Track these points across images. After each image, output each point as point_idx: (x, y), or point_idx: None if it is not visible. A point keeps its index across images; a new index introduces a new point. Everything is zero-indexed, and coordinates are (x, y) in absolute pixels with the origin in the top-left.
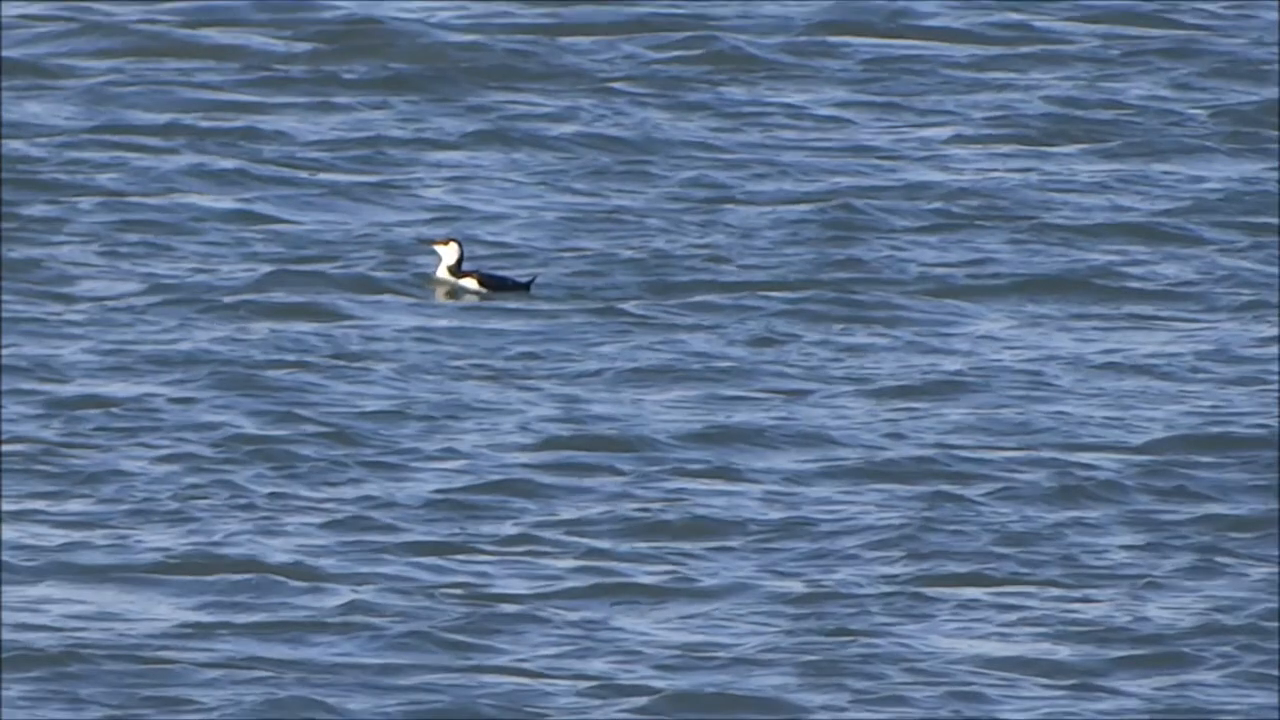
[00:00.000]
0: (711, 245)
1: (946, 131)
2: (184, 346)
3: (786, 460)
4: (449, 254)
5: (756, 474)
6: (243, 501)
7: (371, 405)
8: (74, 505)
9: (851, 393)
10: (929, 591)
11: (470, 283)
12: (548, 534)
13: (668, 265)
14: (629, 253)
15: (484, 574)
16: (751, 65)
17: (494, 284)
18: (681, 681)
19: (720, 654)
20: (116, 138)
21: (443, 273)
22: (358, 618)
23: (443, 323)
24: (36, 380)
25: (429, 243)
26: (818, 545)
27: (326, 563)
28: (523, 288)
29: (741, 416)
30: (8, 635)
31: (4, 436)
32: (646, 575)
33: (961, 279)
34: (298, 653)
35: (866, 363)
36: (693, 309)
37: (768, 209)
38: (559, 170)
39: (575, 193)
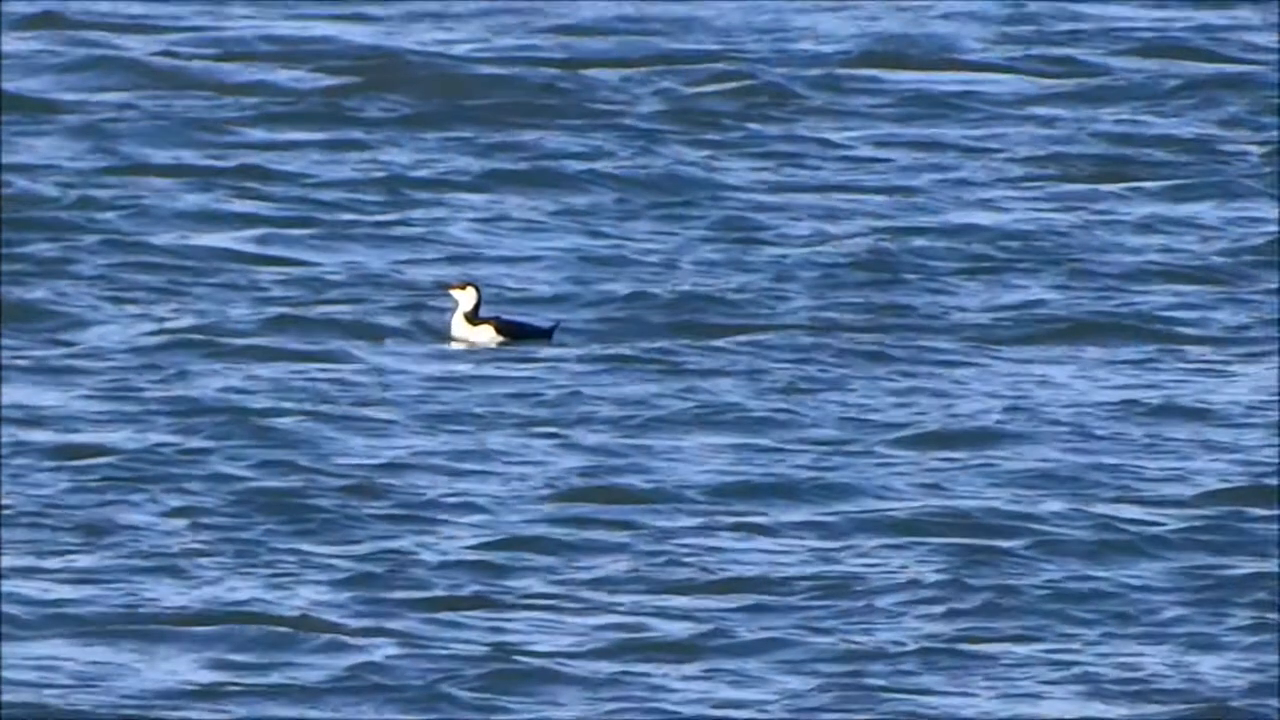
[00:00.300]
0: (745, 288)
1: (989, 170)
2: (193, 393)
3: (822, 512)
4: (466, 299)
5: (791, 527)
6: (254, 556)
7: (388, 455)
8: (80, 559)
9: (890, 442)
10: (971, 649)
11: (487, 331)
12: (573, 589)
13: (698, 308)
14: (658, 296)
15: (507, 631)
16: (787, 100)
17: (513, 331)
18: None
19: (753, 713)
20: (126, 177)
21: (459, 320)
22: (375, 677)
23: (461, 370)
24: (39, 429)
25: (446, 287)
26: (855, 601)
27: (342, 619)
28: (544, 335)
29: (776, 467)
30: (8, 695)
31: (5, 488)
32: (677, 631)
33: (1005, 324)
34: (313, 713)
35: (906, 411)
36: (724, 354)
37: (803, 250)
38: (585, 210)
39: (602, 234)
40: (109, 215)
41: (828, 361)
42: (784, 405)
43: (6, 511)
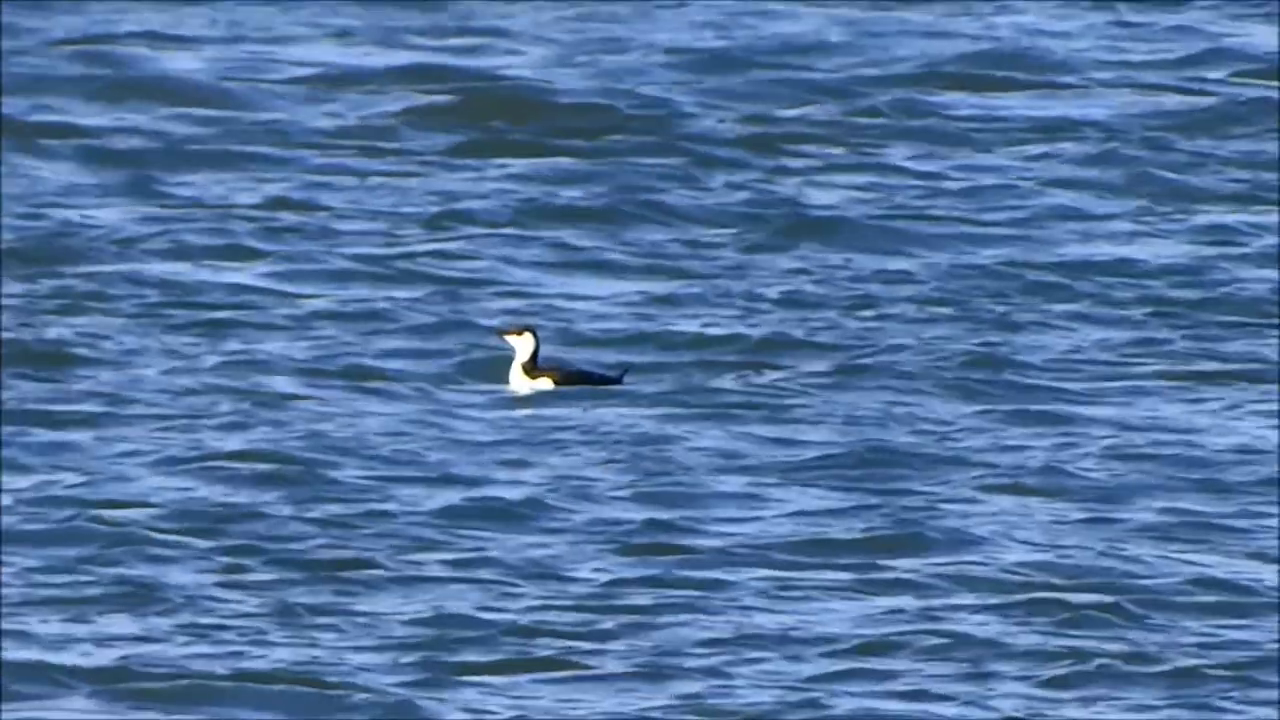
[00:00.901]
0: (841, 325)
1: (1109, 200)
2: (234, 444)
3: (920, 566)
4: (523, 347)
5: (895, 584)
6: (302, 617)
7: (441, 505)
8: (116, 623)
9: (1000, 489)
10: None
11: (545, 383)
12: (648, 653)
13: (782, 347)
14: (745, 335)
15: (574, 699)
16: (885, 126)
17: (577, 379)
18: None
19: None
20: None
21: (516, 370)
22: None
23: (521, 418)
24: (69, 478)
25: (502, 333)
26: (958, 666)
27: (398, 685)
28: (613, 382)
29: (877, 518)
30: None
31: (35, 547)
32: (763, 699)
33: (1121, 363)
34: None
35: (1017, 456)
36: (819, 397)
37: (904, 285)
38: (663, 247)
39: (681, 273)
40: (147, 249)
41: (925, 404)
42: (877, 450)
43: (39, 575)
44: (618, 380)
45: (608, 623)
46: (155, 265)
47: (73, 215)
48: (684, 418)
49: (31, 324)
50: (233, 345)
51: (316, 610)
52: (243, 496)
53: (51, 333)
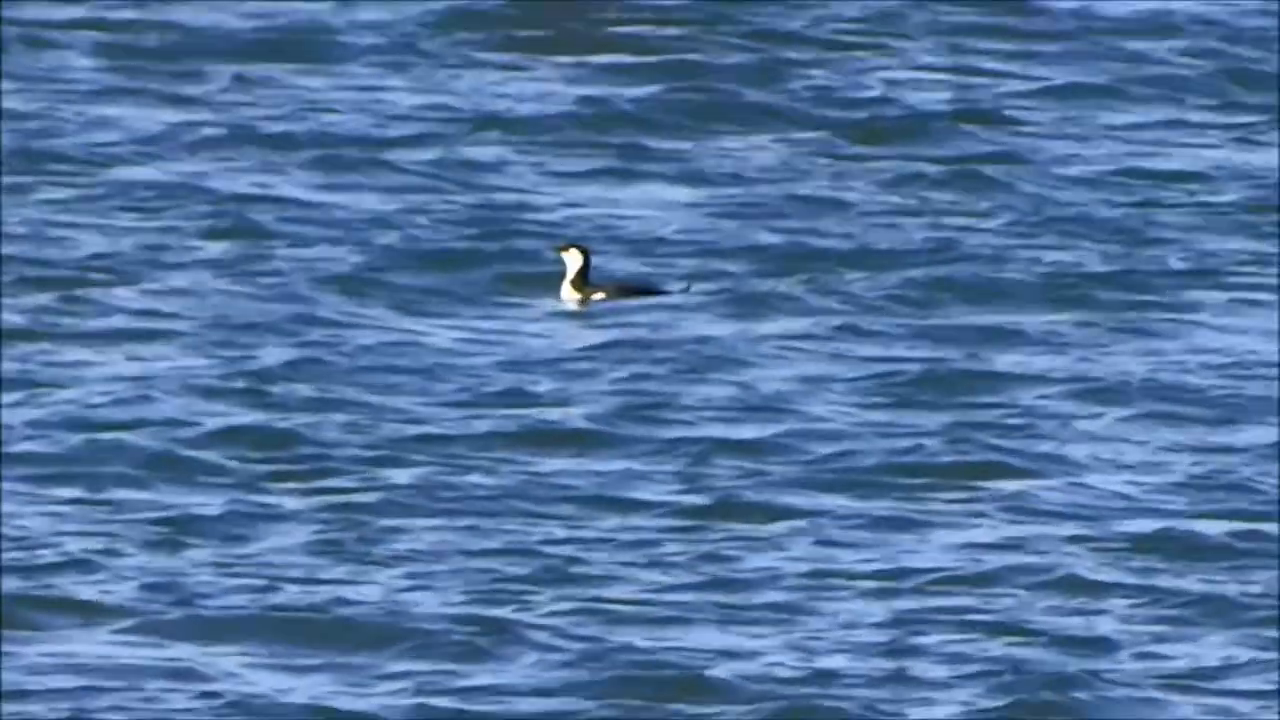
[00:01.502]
0: (926, 234)
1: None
2: (278, 363)
3: (1025, 494)
4: (573, 262)
5: (991, 513)
6: (348, 550)
7: (496, 428)
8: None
9: (1102, 408)
10: None
11: (599, 297)
12: (722, 591)
13: (871, 260)
14: (822, 246)
15: (644, 638)
16: (973, 24)
17: (634, 293)
18: None
19: None
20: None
21: (568, 288)
22: None
23: (574, 334)
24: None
25: (557, 249)
26: (1062, 601)
27: (452, 621)
28: (672, 294)
29: (969, 441)
30: None
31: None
32: (853, 633)
33: (1239, 275)
34: None
35: (1121, 374)
36: (904, 311)
37: (995, 192)
38: (731, 153)
39: (749, 180)
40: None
41: (1019, 318)
42: (966, 369)
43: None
44: (681, 292)
45: (678, 554)
46: (190, 171)
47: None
48: (755, 333)
49: (60, 238)
50: (276, 259)
51: (366, 540)
52: (288, 420)
53: (78, 246)
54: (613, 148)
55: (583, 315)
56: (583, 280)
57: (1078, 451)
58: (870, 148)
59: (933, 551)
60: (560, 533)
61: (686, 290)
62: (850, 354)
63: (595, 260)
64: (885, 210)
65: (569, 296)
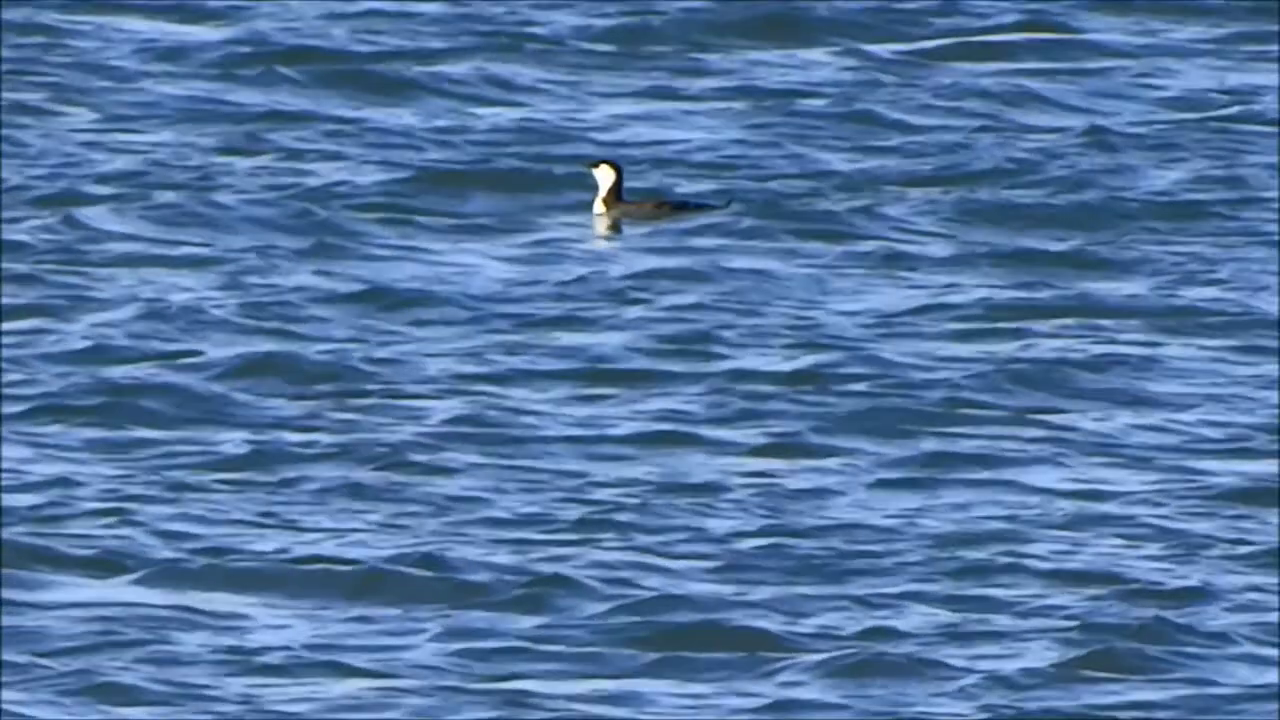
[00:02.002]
0: (974, 154)
1: None
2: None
3: (1094, 432)
4: (604, 178)
5: (1053, 456)
6: (383, 494)
7: (535, 366)
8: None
9: (1182, 336)
10: None
11: (633, 213)
12: (777, 536)
13: (955, 189)
14: (870, 167)
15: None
16: None
17: (669, 211)
18: None
19: None
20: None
21: (599, 206)
22: None
23: (609, 255)
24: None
25: (588, 165)
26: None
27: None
28: (715, 209)
29: (1031, 374)
30: None
31: None
32: (912, 585)
33: None
34: None
35: (1202, 299)
36: (958, 234)
37: (1046, 107)
38: (768, 71)
39: (788, 99)
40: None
41: (1081, 243)
42: (1029, 299)
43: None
44: (721, 207)
45: (735, 498)
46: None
47: None
48: (810, 260)
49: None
50: (308, 178)
51: (401, 484)
52: (320, 348)
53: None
54: (661, 63)
55: (625, 239)
56: (615, 197)
57: (1163, 388)
58: (936, 63)
59: (1006, 495)
60: (609, 474)
61: (727, 206)
62: (912, 283)
63: (639, 181)
64: (951, 129)
65: (600, 214)
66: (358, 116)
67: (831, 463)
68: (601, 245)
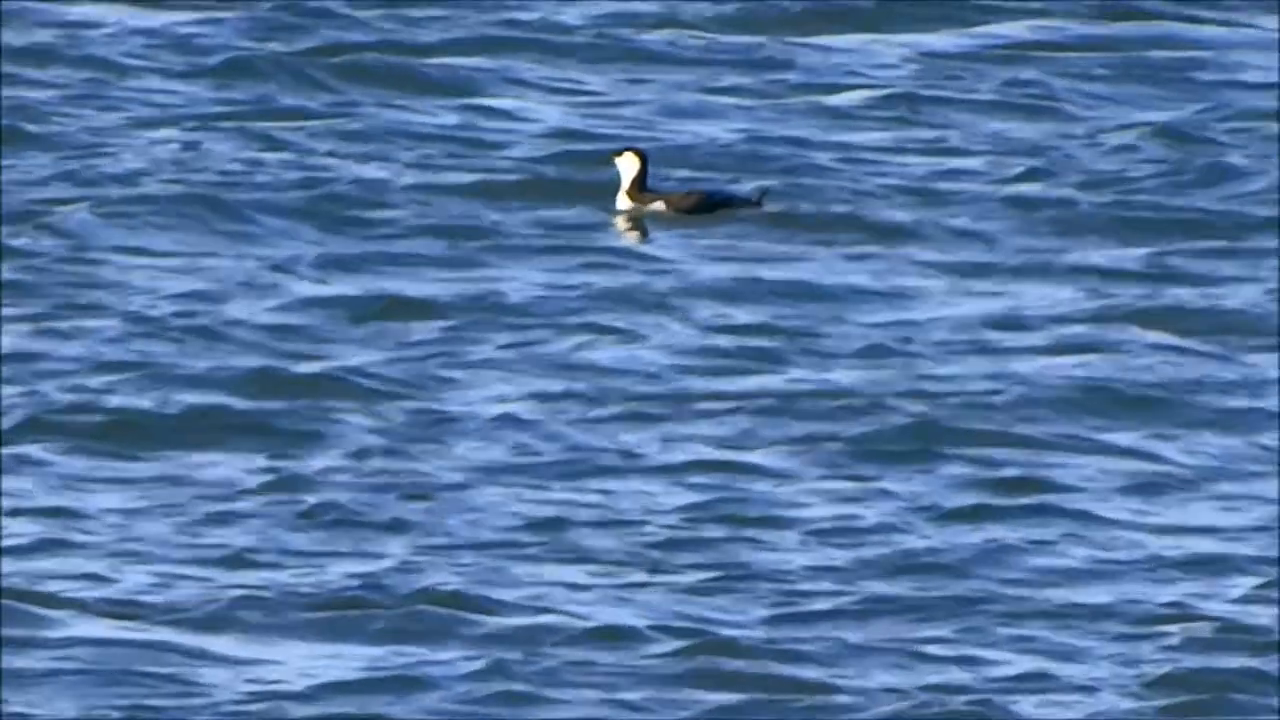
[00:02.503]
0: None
1: None
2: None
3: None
4: (628, 167)
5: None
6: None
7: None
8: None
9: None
10: None
11: (658, 206)
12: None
13: (1037, 189)
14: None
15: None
16: None
17: (698, 204)
18: None
19: None
20: None
21: (623, 198)
22: None
23: (631, 251)
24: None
25: (611, 155)
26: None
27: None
28: (748, 205)
29: (1118, 380)
30: None
31: None
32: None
33: None
34: None
35: None
36: (1003, 214)
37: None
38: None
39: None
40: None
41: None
42: (1103, 310)
43: None
44: (755, 203)
45: (806, 537)
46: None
47: None
48: (845, 254)
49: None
50: (332, 184)
51: (428, 516)
52: (340, 363)
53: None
54: (705, 48)
55: (658, 241)
56: (640, 188)
57: (1258, 404)
58: (1008, 51)
59: (1085, 528)
60: (659, 503)
61: (761, 202)
62: (979, 292)
63: (679, 173)
64: (1021, 127)
65: (624, 206)
66: (388, 114)
67: (898, 489)
68: (630, 241)
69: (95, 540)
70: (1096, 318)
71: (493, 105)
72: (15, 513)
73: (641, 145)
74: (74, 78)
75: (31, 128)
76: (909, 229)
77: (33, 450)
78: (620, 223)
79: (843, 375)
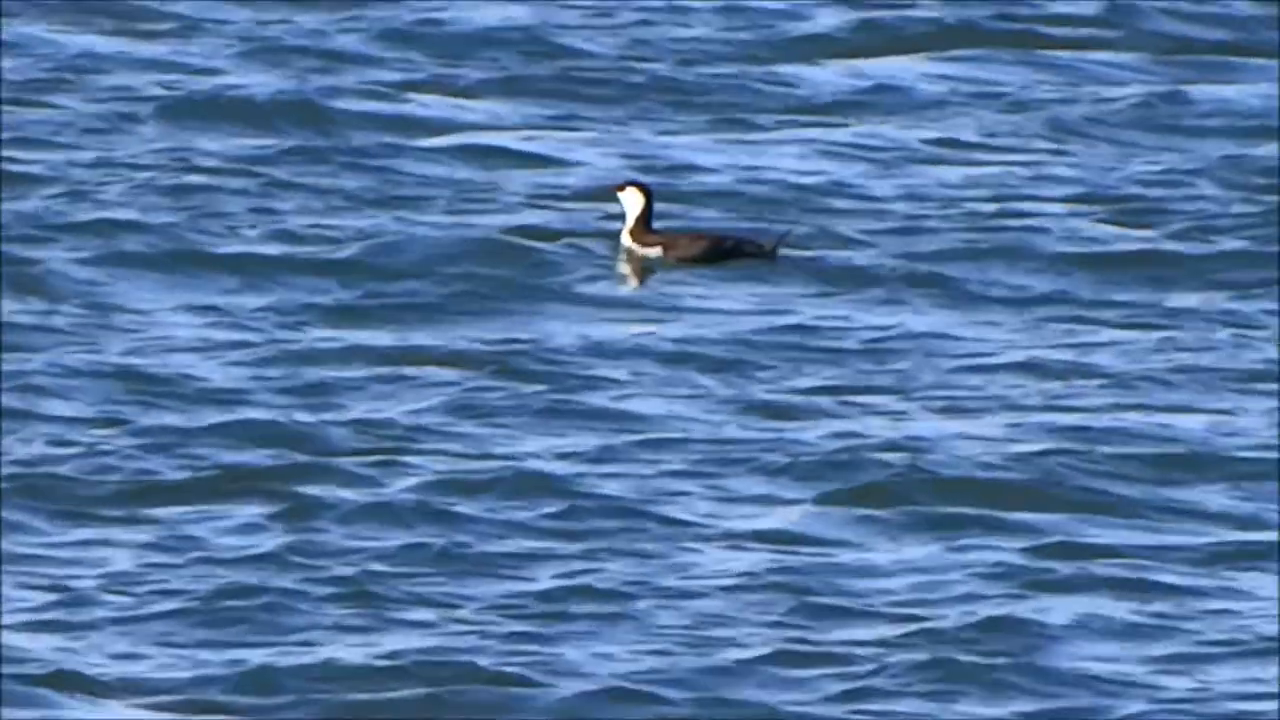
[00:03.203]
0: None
1: None
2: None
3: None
4: (632, 204)
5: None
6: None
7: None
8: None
9: None
10: None
11: (657, 251)
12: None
13: (1095, 227)
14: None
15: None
16: None
17: (709, 250)
18: None
19: None
20: None
21: (626, 238)
22: None
23: (635, 299)
24: None
25: (614, 189)
26: None
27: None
28: (762, 253)
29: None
30: None
31: None
32: None
33: None
34: None
35: None
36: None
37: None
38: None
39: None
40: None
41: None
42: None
43: None
44: (769, 252)
45: (881, 609)
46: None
47: None
48: (873, 304)
49: None
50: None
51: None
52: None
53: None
54: (725, 84)
55: (664, 285)
56: (645, 226)
57: None
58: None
59: (1224, 609)
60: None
61: (776, 250)
62: (1065, 341)
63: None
64: (1121, 155)
65: (628, 247)
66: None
67: (975, 559)
68: (634, 284)
69: (102, 614)
70: (1212, 371)
71: (511, 147)
72: (19, 585)
73: (646, 180)
74: (63, 114)
75: (17, 168)
76: (950, 277)
77: (28, 517)
78: (624, 265)
79: (905, 428)
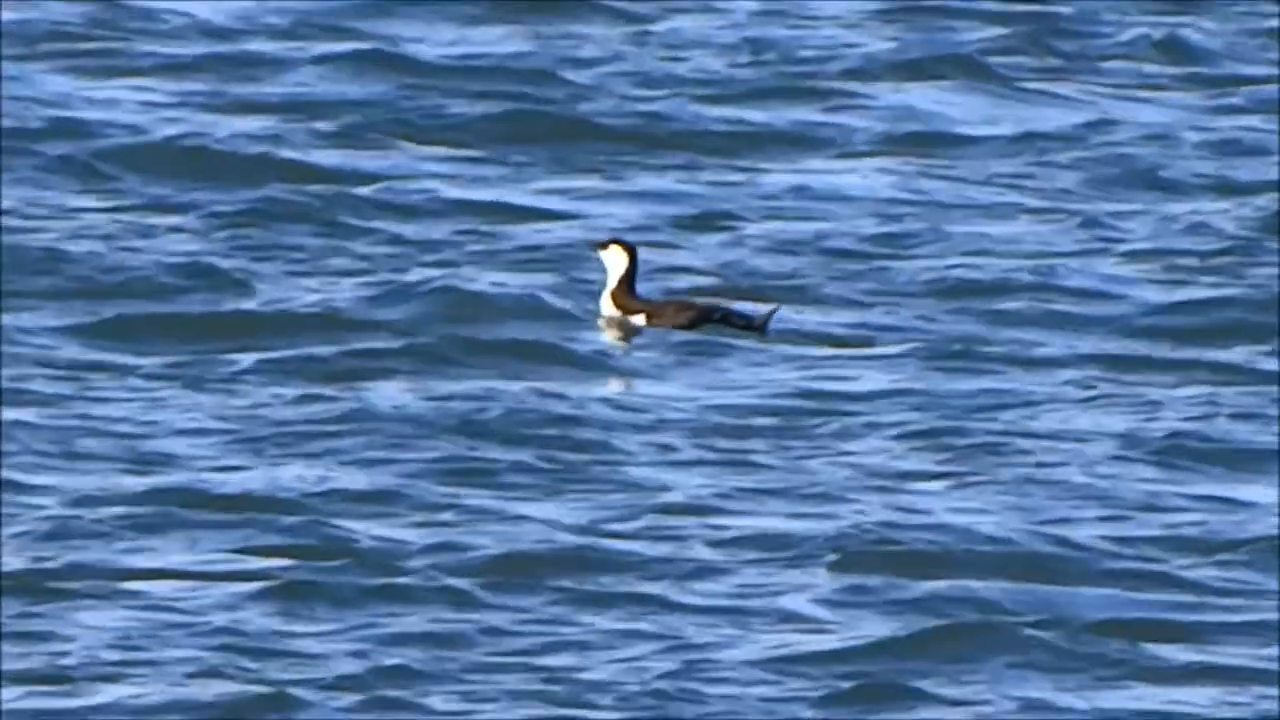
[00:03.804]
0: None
1: None
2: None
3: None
4: (615, 263)
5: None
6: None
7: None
8: None
9: None
10: None
11: (637, 320)
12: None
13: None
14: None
15: None
16: None
17: (696, 319)
18: None
19: None
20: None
21: (607, 301)
22: None
23: (619, 365)
24: None
25: (595, 247)
26: None
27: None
28: (751, 327)
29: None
30: None
31: None
32: None
33: None
34: None
35: None
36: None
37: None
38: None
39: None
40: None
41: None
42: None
43: None
44: (758, 327)
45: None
46: None
47: None
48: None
49: None
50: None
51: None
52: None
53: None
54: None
55: (624, 339)
56: (627, 291)
57: None
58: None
59: None
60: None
61: (766, 325)
62: (1121, 409)
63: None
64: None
65: (608, 312)
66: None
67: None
68: (619, 351)
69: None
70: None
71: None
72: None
73: (630, 239)
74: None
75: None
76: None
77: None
78: (606, 332)
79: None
